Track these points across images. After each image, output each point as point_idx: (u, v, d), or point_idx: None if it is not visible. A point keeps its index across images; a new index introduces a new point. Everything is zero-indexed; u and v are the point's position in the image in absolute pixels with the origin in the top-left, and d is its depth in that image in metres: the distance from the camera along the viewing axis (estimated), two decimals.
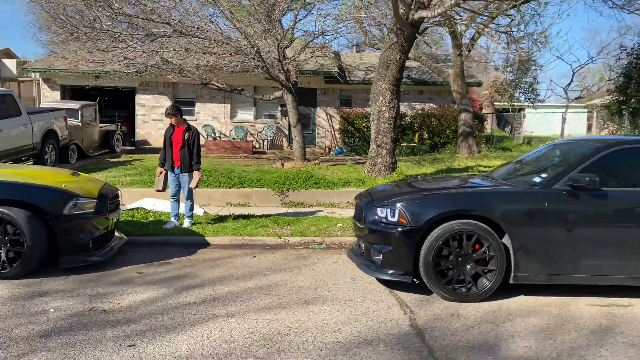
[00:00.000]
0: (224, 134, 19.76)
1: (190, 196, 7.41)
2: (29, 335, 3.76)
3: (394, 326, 4.06)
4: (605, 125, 20.32)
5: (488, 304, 4.59)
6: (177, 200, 7.49)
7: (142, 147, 19.03)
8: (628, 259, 4.63)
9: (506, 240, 4.61)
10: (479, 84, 24.44)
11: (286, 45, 13.33)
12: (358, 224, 5.32)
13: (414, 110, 19.98)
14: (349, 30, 16.64)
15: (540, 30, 14.01)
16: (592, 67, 34.04)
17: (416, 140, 18.45)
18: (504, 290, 4.76)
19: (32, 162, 11.64)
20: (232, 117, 20.05)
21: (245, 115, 20.24)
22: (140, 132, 19.81)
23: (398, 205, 4.82)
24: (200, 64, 13.04)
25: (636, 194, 4.76)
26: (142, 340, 3.71)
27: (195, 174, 7.32)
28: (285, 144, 19.97)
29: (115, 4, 10.81)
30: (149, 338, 3.75)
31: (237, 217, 7.99)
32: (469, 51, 17.14)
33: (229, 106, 19.91)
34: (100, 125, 16.52)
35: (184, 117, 7.56)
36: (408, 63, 18.79)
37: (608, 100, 19.91)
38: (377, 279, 5.18)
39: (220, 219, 7.94)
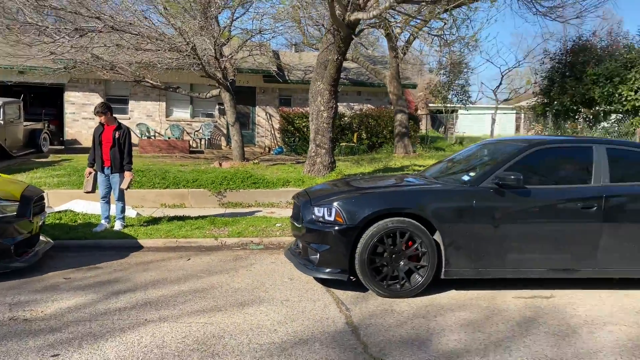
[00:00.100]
0: (159, 133, 19.21)
1: (121, 197, 7.14)
2: None
3: (330, 324, 4.09)
4: (532, 126, 21.43)
5: (421, 299, 4.72)
6: (108, 202, 7.20)
7: (72, 147, 18.14)
8: (550, 253, 4.89)
9: (437, 236, 4.76)
10: (414, 86, 25.16)
11: (223, 43, 13.14)
12: (296, 223, 5.32)
13: (353, 111, 20.27)
14: (288, 30, 16.67)
15: (471, 34, 14.56)
16: (520, 70, 35.98)
17: (355, 140, 18.71)
18: (436, 285, 4.92)
19: None
20: (167, 115, 19.52)
21: (182, 113, 19.76)
22: (70, 131, 18.88)
23: (335, 204, 4.86)
24: (133, 60, 12.60)
25: (557, 191, 5.04)
26: (67, 349, 3.53)
27: (127, 174, 7.07)
28: (223, 143, 19.68)
29: None
30: (75, 347, 3.57)
31: (171, 219, 7.78)
32: (404, 54, 17.58)
33: (164, 104, 19.37)
34: (26, 123, 15.58)
35: (114, 115, 7.29)
36: (346, 64, 19.07)
37: (533, 102, 20.99)
38: (314, 278, 5.20)
39: (154, 220, 7.70)
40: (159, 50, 11.90)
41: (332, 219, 4.83)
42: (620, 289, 5.13)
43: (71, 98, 18.74)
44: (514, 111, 34.10)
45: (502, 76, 30.19)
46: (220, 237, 6.78)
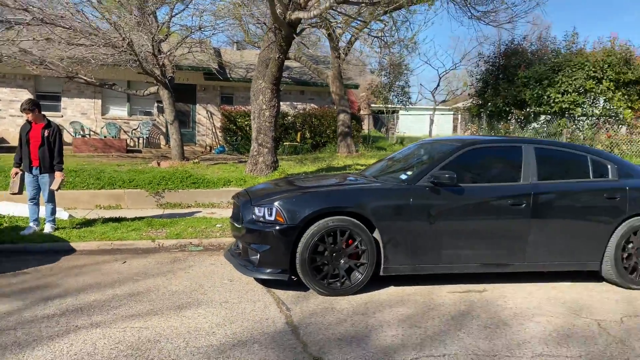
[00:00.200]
0: (94, 132, 18.45)
1: (51, 199, 6.81)
2: None
3: (269, 325, 4.06)
4: (468, 127, 22.21)
5: (360, 297, 4.78)
6: (37, 204, 6.84)
7: None
8: (482, 248, 5.09)
9: (377, 234, 4.84)
10: (356, 86, 25.48)
11: (161, 39, 12.79)
12: (236, 224, 5.25)
13: (296, 110, 20.27)
14: (229, 27, 16.44)
15: (410, 36, 14.90)
16: (457, 72, 37.15)
17: (298, 140, 18.73)
18: (376, 282, 5.00)
19: None
20: (103, 113, 18.77)
21: (119, 111, 19.05)
22: None
23: (275, 204, 4.84)
24: (65, 55, 11.99)
25: (489, 189, 5.24)
26: None
27: (57, 174, 6.74)
28: (162, 142, 19.16)
29: None
30: None
31: (106, 221, 7.49)
32: (346, 54, 17.76)
33: (99, 102, 18.62)
34: None
35: (43, 112, 6.93)
36: (289, 63, 19.05)
37: (469, 104, 21.73)
38: (255, 279, 5.16)
39: (88, 222, 7.39)
40: (93, 45, 11.42)
41: (272, 218, 4.80)
42: (549, 282, 5.41)
43: None
44: (452, 112, 35.24)
45: (440, 78, 31.21)
46: (158, 239, 6.59)
